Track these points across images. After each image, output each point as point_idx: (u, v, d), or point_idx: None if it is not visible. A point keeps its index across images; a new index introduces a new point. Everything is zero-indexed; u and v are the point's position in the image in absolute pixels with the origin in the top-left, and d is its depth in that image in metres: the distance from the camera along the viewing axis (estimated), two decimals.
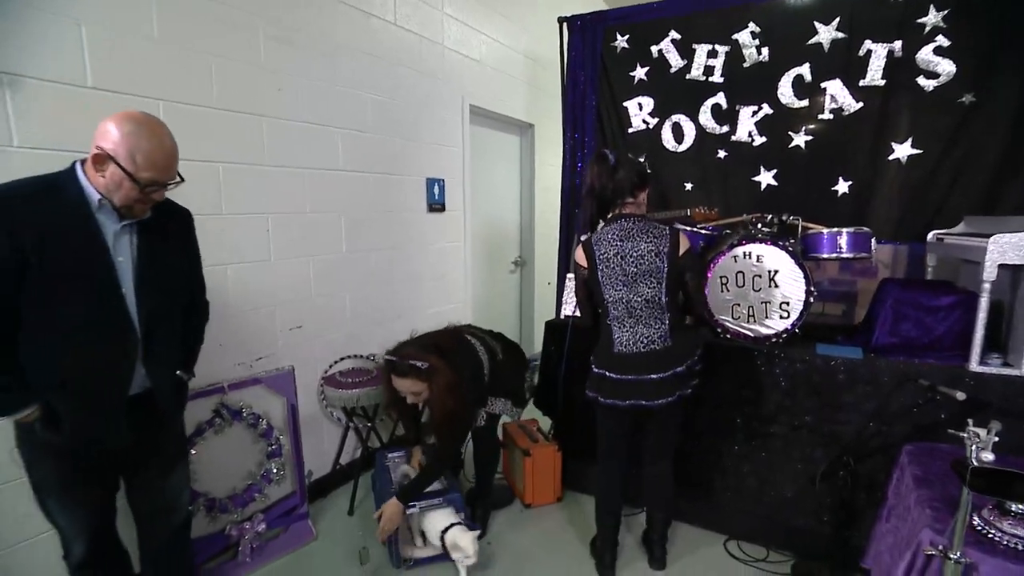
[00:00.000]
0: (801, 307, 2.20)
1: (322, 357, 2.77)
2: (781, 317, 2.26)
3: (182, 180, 1.47)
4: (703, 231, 2.40)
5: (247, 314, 2.33)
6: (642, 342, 1.90)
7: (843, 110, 2.61)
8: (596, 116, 3.18)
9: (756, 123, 2.79)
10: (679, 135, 2.99)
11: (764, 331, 2.29)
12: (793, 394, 2.21)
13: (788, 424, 2.22)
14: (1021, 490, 1.14)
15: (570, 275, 2.83)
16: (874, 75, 2.53)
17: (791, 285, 2.22)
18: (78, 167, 1.39)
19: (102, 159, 1.34)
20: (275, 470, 2.41)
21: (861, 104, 2.57)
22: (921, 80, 2.45)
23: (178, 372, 1.65)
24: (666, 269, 1.87)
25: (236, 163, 2.25)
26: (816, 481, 2.13)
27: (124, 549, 1.74)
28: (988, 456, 1.20)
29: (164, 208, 1.58)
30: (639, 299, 1.88)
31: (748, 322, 2.33)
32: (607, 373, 1.93)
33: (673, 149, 3.00)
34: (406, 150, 3.13)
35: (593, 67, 3.16)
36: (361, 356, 2.95)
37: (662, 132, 3.02)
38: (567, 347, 2.61)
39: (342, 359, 2.86)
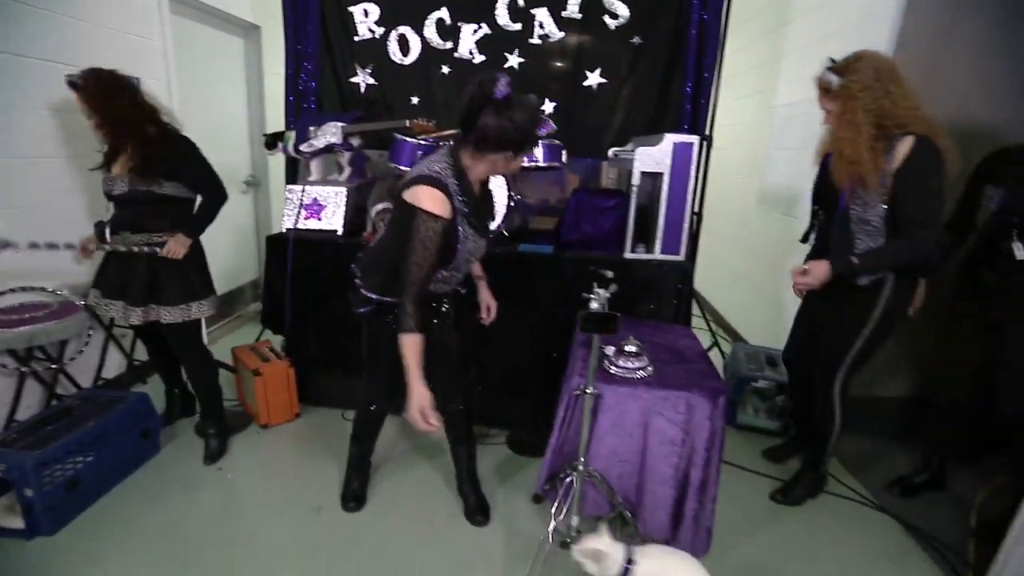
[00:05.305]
0: (504, 211, 2.46)
1: None
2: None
3: None
4: (423, 142, 2.49)
5: None
6: None
7: (549, 37, 2.89)
8: (320, 20, 2.97)
9: (476, 42, 2.93)
10: (405, 47, 2.98)
11: None
12: (503, 288, 2.49)
13: (498, 316, 2.52)
14: (612, 326, 1.49)
15: (292, 188, 2.65)
16: (573, 8, 2.84)
17: (497, 191, 2.46)
18: None
19: None
20: None
21: (563, 33, 2.88)
22: (607, 19, 2.83)
23: None
24: None
25: None
26: (522, 365, 2.49)
27: None
28: (594, 305, 1.54)
29: None
30: None
31: None
32: None
33: (400, 61, 2.99)
34: (73, 29, 2.53)
35: None
36: (34, 288, 2.43)
37: (388, 43, 2.97)
38: (290, 261, 2.52)
39: (6, 292, 2.32)
